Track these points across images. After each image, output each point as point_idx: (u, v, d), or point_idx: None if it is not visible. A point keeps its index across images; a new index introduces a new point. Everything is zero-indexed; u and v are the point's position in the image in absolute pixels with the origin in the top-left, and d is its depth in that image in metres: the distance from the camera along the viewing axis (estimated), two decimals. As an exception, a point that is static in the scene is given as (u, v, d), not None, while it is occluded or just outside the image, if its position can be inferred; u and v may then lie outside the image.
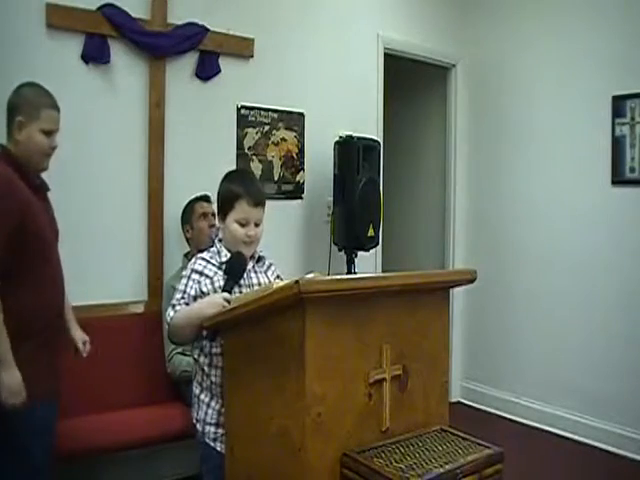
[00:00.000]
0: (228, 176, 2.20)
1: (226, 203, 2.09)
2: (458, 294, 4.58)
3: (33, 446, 2.09)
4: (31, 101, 2.13)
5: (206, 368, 2.04)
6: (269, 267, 2.20)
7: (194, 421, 2.10)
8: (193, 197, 3.22)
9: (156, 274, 3.29)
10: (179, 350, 2.97)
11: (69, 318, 2.35)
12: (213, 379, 2.03)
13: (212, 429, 2.04)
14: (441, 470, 1.56)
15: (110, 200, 3.16)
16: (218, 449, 2.01)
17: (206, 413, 2.05)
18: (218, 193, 2.15)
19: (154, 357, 3.07)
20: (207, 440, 2.04)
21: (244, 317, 1.76)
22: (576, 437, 3.96)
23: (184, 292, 2.03)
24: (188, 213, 3.21)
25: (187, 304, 2.00)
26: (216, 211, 2.17)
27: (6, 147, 2.14)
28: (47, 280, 2.15)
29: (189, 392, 2.81)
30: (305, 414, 1.56)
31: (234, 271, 2.04)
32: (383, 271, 4.40)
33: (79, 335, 2.36)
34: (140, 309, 3.24)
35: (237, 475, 1.85)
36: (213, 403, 2.04)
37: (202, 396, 2.07)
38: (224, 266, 2.07)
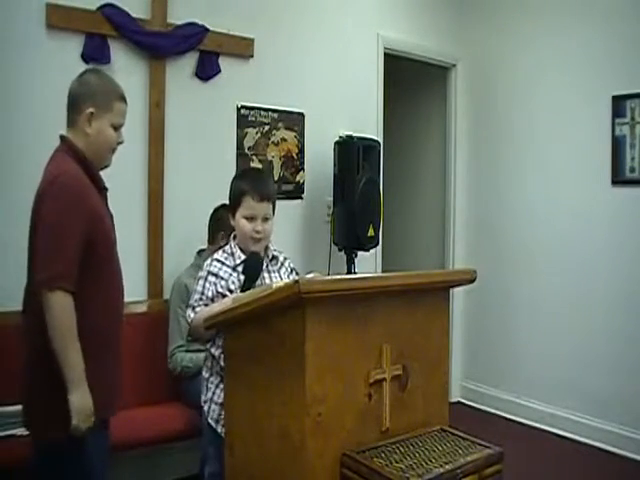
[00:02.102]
0: (238, 174, 2.33)
1: (234, 199, 2.17)
2: (458, 294, 4.57)
3: (96, 472, 1.94)
4: (102, 91, 1.94)
5: (216, 357, 2.11)
6: (282, 264, 2.24)
7: (202, 403, 2.18)
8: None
9: (156, 274, 3.29)
10: (182, 349, 2.98)
11: None
12: (223, 366, 2.06)
13: (217, 409, 2.10)
14: (441, 470, 1.56)
15: (110, 200, 3.14)
16: (219, 431, 2.08)
17: (214, 393, 2.13)
18: (229, 191, 2.23)
19: (155, 357, 3.07)
20: (210, 420, 2.12)
21: (244, 317, 1.76)
22: (576, 437, 3.96)
23: (202, 294, 2.11)
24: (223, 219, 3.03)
25: (206, 305, 2.08)
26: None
27: (69, 139, 1.95)
28: (114, 294, 1.98)
29: (191, 389, 2.83)
30: (305, 414, 1.56)
31: (251, 273, 2.09)
32: (383, 271, 4.40)
33: None
34: (140, 309, 3.24)
35: (237, 474, 1.85)
36: (222, 385, 2.08)
37: (212, 379, 2.15)
38: (239, 268, 2.12)
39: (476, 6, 4.72)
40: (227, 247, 2.20)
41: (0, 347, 2.69)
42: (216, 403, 2.11)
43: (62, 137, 1.97)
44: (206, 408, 2.16)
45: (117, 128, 1.99)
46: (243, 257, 2.14)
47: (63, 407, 1.79)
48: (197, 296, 2.11)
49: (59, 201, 1.81)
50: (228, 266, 2.13)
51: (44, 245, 1.80)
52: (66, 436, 1.81)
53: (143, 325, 3.17)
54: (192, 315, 2.09)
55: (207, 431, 2.17)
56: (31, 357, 1.90)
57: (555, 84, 4.17)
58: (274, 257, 2.22)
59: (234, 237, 2.21)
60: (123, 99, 2.01)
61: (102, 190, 2.03)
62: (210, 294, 2.09)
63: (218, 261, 2.15)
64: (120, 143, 2.03)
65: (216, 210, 3.17)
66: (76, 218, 1.81)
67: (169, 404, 3.01)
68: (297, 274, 2.25)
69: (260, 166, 3.69)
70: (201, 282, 2.13)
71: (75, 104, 1.94)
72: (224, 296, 2.08)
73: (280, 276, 2.19)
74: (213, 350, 2.12)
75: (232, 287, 2.09)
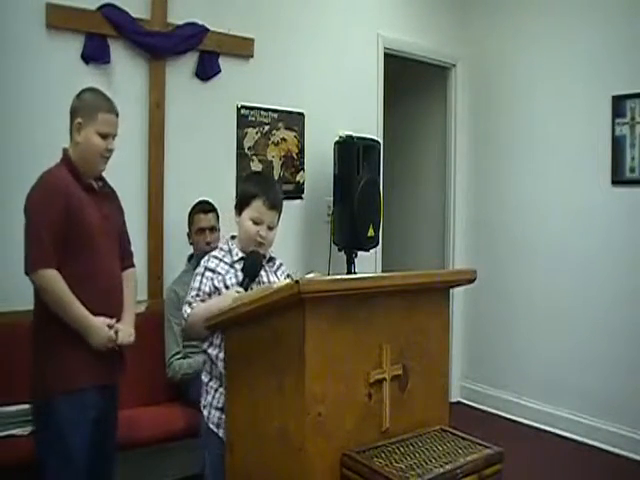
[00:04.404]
0: (250, 175, 2.35)
1: (243, 199, 2.17)
2: (458, 294, 4.57)
3: (68, 436, 2.11)
4: (89, 104, 2.21)
5: (214, 359, 2.10)
6: (279, 267, 2.27)
7: (202, 407, 2.16)
8: (195, 202, 3.20)
9: (156, 274, 3.29)
10: (179, 355, 2.99)
11: (125, 311, 2.34)
12: (221, 369, 2.07)
13: (217, 414, 2.09)
14: (441, 470, 1.56)
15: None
16: (220, 435, 2.06)
17: (214, 397, 2.11)
18: (238, 189, 2.22)
19: (155, 357, 3.06)
20: (210, 425, 2.10)
21: (245, 317, 1.76)
22: (576, 437, 3.96)
23: (199, 289, 2.11)
24: (190, 220, 3.18)
25: (203, 301, 2.09)
26: (233, 207, 2.23)
27: (67, 151, 2.23)
28: (94, 276, 2.17)
29: (191, 389, 2.83)
30: (305, 414, 1.56)
31: (251, 270, 2.11)
32: (383, 271, 4.40)
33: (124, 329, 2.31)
34: (140, 309, 3.23)
35: (237, 475, 1.85)
36: (222, 389, 2.08)
37: (211, 383, 2.14)
38: (236, 264, 2.14)
39: (476, 6, 4.72)
40: (224, 245, 2.22)
41: (0, 347, 2.69)
42: (216, 408, 2.10)
43: (63, 150, 2.23)
44: (206, 413, 2.13)
45: (105, 136, 2.21)
46: (241, 255, 2.15)
47: (37, 375, 2.12)
48: (194, 292, 2.11)
49: (36, 196, 2.11)
50: (225, 262, 2.14)
51: (25, 236, 2.09)
52: (39, 400, 2.14)
53: (142, 325, 3.14)
54: (188, 311, 2.08)
55: (206, 435, 2.14)
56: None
57: (555, 83, 4.17)
58: (271, 258, 2.25)
59: (232, 237, 2.22)
60: (110, 111, 2.24)
61: (94, 192, 2.25)
62: (207, 289, 2.10)
63: (215, 258, 2.17)
64: (110, 151, 2.23)
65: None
66: (50, 208, 2.07)
67: (169, 404, 3.00)
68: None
69: (260, 166, 3.69)
70: (198, 278, 2.13)
71: (71, 117, 2.22)
72: (221, 291, 2.08)
73: (277, 277, 2.21)
74: (210, 350, 2.11)
75: (229, 282, 2.10)
